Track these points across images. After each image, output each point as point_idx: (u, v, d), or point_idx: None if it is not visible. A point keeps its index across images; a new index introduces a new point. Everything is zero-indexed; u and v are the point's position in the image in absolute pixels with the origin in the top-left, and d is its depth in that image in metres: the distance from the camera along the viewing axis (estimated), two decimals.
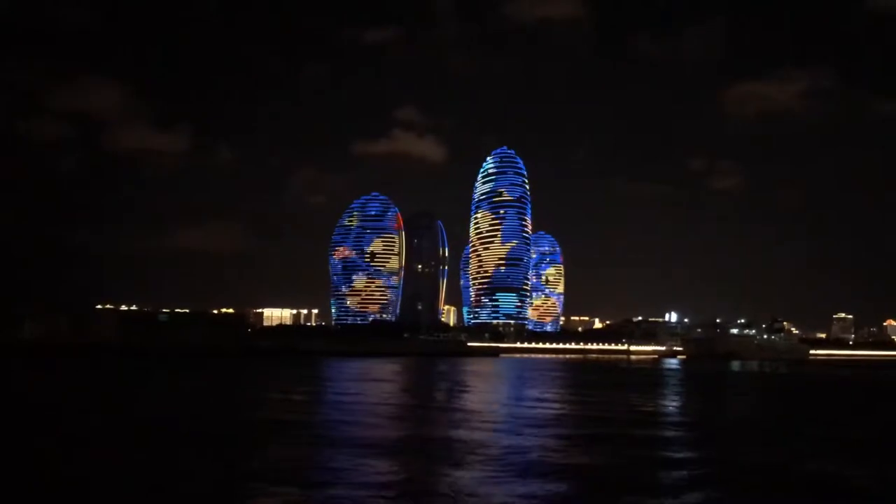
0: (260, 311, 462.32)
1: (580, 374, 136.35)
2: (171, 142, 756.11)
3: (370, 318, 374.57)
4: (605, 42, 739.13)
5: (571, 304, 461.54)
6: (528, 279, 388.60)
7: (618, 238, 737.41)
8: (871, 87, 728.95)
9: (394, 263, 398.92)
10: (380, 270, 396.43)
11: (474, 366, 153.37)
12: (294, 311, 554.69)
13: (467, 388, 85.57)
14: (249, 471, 28.92)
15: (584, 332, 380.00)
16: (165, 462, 30.91)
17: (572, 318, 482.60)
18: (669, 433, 44.67)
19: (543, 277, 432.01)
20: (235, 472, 28.74)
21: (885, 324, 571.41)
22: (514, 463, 31.06)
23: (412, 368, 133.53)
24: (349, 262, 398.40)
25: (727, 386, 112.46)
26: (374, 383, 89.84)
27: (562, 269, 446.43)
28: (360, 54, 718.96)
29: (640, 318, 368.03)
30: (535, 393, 77.81)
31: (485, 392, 79.43)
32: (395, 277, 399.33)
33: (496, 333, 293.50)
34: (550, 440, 38.77)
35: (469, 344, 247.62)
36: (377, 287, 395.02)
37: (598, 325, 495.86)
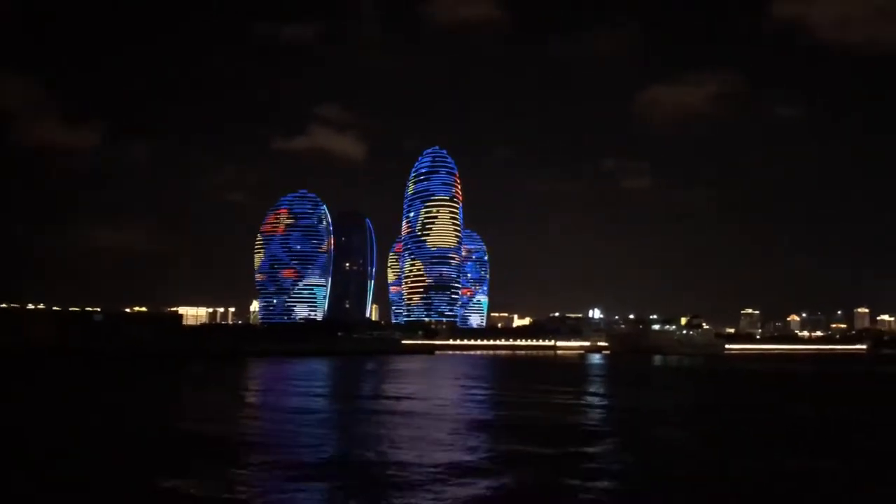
0: (175, 309, 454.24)
1: (516, 368, 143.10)
2: (82, 137, 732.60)
3: (297, 318, 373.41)
4: (522, 43, 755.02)
5: (492, 301, 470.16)
6: (459, 277, 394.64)
7: (534, 236, 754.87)
8: (777, 91, 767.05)
9: (321, 262, 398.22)
10: (308, 269, 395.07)
11: (416, 363, 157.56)
12: (210, 310, 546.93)
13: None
14: None
15: (514, 328, 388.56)
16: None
17: (492, 314, 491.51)
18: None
19: (470, 275, 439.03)
20: None
21: (788, 318, 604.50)
22: None
23: (365, 368, 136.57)
24: (276, 260, 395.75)
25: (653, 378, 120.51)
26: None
27: (488, 266, 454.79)
28: (280, 50, 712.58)
29: (556, 313, 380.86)
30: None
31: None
32: (323, 276, 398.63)
33: (429, 331, 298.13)
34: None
35: (403, 342, 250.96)
36: (305, 286, 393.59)
37: (517, 321, 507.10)
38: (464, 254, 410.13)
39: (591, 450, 36.48)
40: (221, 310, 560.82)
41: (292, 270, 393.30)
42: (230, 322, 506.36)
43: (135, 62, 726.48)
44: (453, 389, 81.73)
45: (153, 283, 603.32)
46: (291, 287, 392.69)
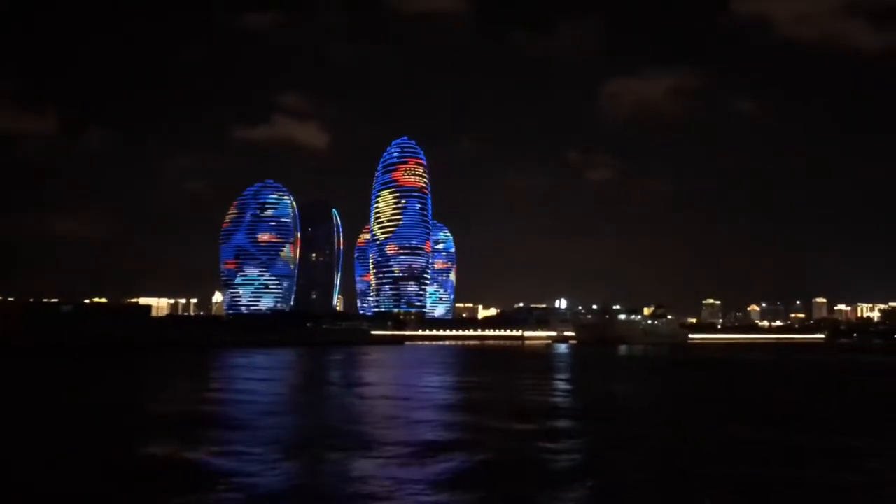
0: (136, 300, 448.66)
1: (487, 358, 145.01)
2: (38, 124, 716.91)
3: (264, 309, 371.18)
4: (485, 37, 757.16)
5: (456, 292, 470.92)
6: (428, 268, 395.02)
7: (498, 227, 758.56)
8: (735, 87, 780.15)
9: (287, 252, 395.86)
10: (274, 259, 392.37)
11: (387, 354, 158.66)
12: (172, 301, 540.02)
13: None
14: None
15: (482, 319, 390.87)
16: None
17: (457, 305, 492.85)
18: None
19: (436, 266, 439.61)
20: None
21: (748, 308, 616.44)
22: None
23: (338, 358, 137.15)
24: (241, 250, 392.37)
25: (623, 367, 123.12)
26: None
27: (454, 257, 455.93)
28: (240, 38, 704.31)
29: (521, 304, 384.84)
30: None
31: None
32: (289, 267, 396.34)
33: (398, 321, 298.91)
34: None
35: (373, 332, 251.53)
36: (271, 277, 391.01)
37: (482, 312, 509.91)
38: (431, 245, 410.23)
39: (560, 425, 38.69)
40: (183, 301, 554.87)
41: (258, 261, 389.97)
42: (192, 313, 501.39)
43: (94, 49, 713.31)
44: (427, 377, 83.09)
45: (112, 273, 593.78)
46: (257, 278, 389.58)
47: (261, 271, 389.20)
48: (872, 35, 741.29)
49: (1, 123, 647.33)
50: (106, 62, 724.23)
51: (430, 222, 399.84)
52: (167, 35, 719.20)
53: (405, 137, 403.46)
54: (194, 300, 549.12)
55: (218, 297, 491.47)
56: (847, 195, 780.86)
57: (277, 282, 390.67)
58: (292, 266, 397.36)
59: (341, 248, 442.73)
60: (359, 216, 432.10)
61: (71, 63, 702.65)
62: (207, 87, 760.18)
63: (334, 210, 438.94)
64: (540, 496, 24.64)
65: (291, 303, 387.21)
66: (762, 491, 25.26)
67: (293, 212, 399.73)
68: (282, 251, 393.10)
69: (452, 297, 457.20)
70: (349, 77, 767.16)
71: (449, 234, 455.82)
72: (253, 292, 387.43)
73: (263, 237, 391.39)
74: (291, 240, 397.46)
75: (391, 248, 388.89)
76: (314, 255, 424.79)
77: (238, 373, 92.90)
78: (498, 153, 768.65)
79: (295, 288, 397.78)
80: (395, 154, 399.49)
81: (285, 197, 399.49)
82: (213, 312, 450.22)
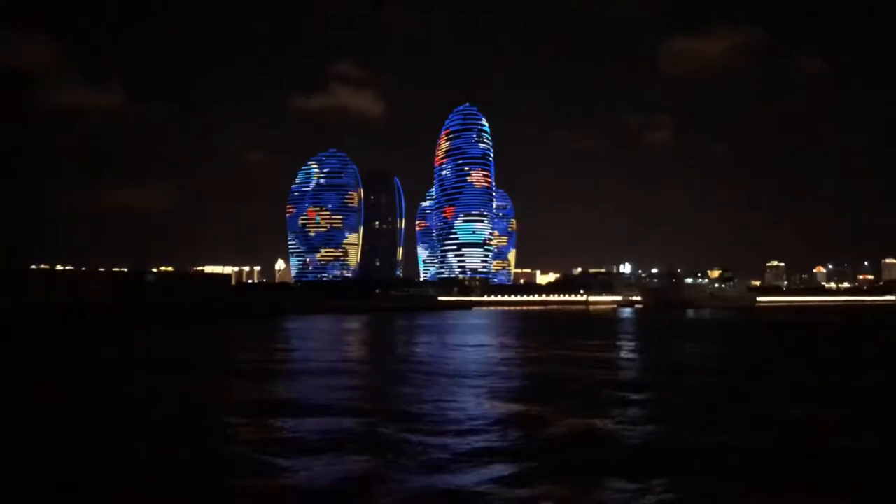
0: (200, 269, 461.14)
1: (560, 322, 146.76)
2: (103, 98, 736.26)
3: (330, 276, 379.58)
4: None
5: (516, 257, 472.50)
6: (492, 234, 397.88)
7: (556, 192, 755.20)
8: (800, 46, 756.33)
9: (353, 220, 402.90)
10: (340, 227, 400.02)
11: (466, 319, 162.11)
12: (236, 269, 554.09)
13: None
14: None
15: (546, 284, 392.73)
16: None
17: (515, 270, 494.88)
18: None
19: (497, 232, 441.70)
20: None
21: (814, 270, 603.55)
22: None
23: (427, 323, 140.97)
24: (308, 219, 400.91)
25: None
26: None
27: (514, 223, 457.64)
28: (297, 6, 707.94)
29: (579, 269, 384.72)
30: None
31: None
32: (354, 234, 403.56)
33: (463, 287, 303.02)
34: None
35: (439, 298, 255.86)
36: (337, 244, 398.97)
37: (540, 278, 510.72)
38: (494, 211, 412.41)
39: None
40: (247, 268, 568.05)
41: (324, 229, 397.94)
42: (255, 281, 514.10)
43: (153, 23, 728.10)
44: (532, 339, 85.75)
45: (176, 242, 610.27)
46: (323, 245, 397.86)
47: (327, 239, 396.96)
48: None
49: (67, 98, 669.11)
50: (166, 35, 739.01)
51: (493, 189, 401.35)
52: (225, 6, 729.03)
53: (467, 104, 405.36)
54: (258, 268, 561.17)
55: (280, 264, 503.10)
56: None
57: (343, 250, 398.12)
58: (357, 234, 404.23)
59: (403, 215, 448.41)
60: (418, 183, 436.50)
61: (133, 37, 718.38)
62: (264, 57, 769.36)
63: (396, 178, 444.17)
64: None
65: (356, 269, 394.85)
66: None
67: (357, 180, 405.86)
68: (347, 219, 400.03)
69: (514, 262, 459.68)
70: (405, 44, 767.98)
71: (509, 199, 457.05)
72: (320, 259, 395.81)
73: (329, 205, 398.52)
74: (356, 208, 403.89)
75: (456, 216, 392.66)
76: (377, 223, 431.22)
77: (334, 335, 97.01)
78: (557, 117, 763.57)
79: (360, 255, 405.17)
80: (458, 121, 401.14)
81: (350, 165, 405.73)
82: (277, 280, 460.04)
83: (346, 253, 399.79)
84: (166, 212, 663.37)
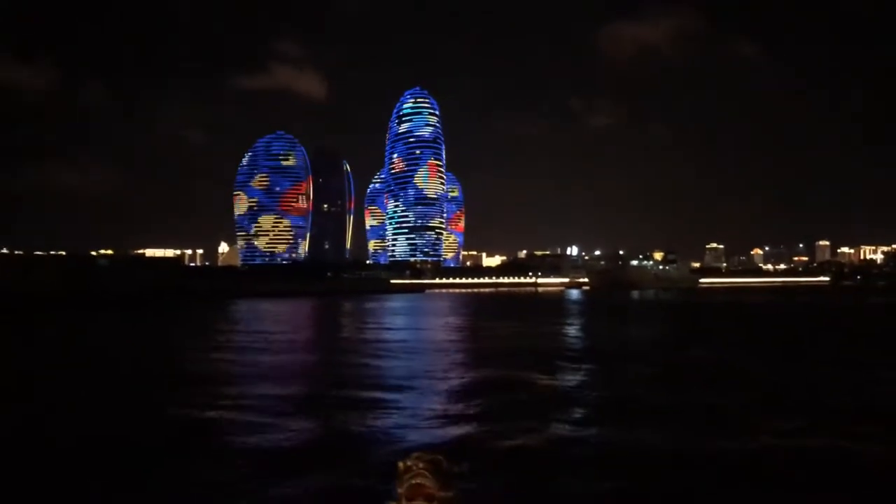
0: (142, 252, 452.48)
1: (509, 302, 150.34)
2: (36, 77, 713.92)
3: (278, 259, 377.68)
4: None
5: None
6: (443, 217, 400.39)
7: (498, 174, 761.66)
8: (737, 30, 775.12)
9: (301, 203, 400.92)
10: (287, 210, 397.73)
11: (418, 301, 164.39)
12: (178, 252, 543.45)
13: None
14: None
15: (495, 266, 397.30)
16: None
17: (462, 253, 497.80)
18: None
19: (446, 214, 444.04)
20: None
21: (752, 252, 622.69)
22: None
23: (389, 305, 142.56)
24: (255, 201, 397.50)
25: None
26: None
27: (463, 206, 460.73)
28: None
29: (524, 252, 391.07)
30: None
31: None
32: (302, 217, 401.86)
33: (415, 270, 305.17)
34: None
35: (391, 281, 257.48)
36: (285, 227, 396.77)
37: (486, 260, 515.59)
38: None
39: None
40: (189, 251, 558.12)
41: (272, 211, 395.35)
42: (198, 264, 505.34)
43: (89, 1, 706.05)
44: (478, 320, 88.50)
45: (113, 225, 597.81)
46: (272, 228, 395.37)
47: (275, 222, 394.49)
48: None
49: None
50: (102, 13, 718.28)
51: (444, 172, 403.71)
52: None
53: (418, 88, 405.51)
54: (200, 251, 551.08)
55: (224, 247, 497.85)
56: (848, 138, 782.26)
57: (292, 232, 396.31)
58: (306, 216, 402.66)
59: (353, 198, 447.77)
60: (363, 164, 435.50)
61: (67, 15, 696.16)
62: (204, 37, 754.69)
63: (345, 161, 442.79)
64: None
65: (306, 252, 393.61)
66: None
67: (306, 162, 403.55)
68: (295, 202, 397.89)
69: (462, 245, 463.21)
70: (346, 24, 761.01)
71: (458, 182, 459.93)
72: (268, 243, 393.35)
73: (277, 188, 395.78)
74: (304, 190, 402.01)
75: (406, 199, 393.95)
76: (326, 205, 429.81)
77: (284, 318, 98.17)
78: (497, 100, 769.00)
79: (308, 238, 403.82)
80: (409, 105, 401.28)
81: (298, 147, 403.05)
82: (220, 263, 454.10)
83: (294, 236, 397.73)
84: (105, 194, 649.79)
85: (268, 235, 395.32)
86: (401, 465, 3.75)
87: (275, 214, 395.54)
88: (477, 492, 16.07)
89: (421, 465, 3.69)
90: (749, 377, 35.92)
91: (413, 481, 3.69)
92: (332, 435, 23.14)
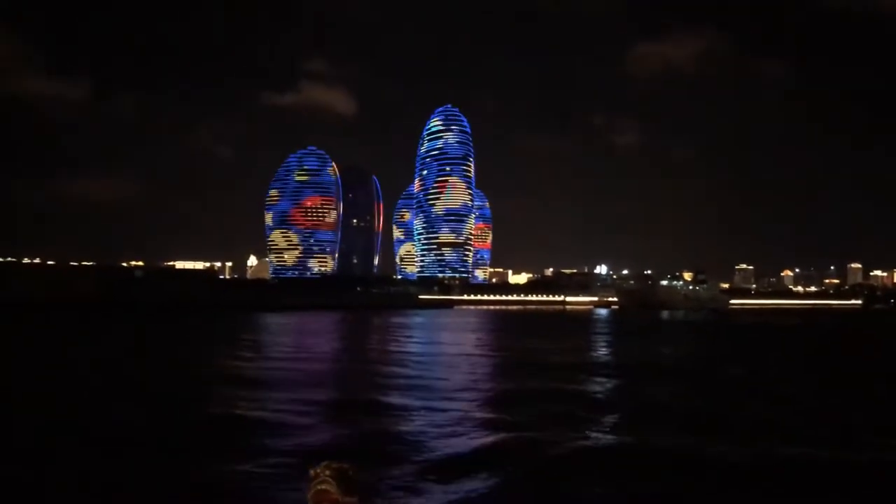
0: (172, 263, 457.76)
1: (540, 321, 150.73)
2: (70, 89, 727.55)
3: (308, 273, 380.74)
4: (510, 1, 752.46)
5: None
6: (471, 234, 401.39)
7: (524, 192, 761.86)
8: (762, 51, 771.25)
9: (331, 218, 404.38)
10: (318, 225, 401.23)
11: (450, 318, 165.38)
12: (207, 265, 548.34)
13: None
14: None
15: (523, 283, 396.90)
16: None
17: (488, 270, 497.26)
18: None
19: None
20: None
21: (782, 274, 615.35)
22: None
23: (425, 322, 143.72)
24: (286, 215, 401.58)
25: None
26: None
27: (491, 223, 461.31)
28: (267, 3, 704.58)
29: (550, 270, 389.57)
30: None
31: None
32: (333, 232, 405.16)
33: (443, 286, 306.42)
34: None
35: (420, 297, 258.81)
36: (315, 242, 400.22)
37: (512, 278, 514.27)
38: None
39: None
40: (218, 264, 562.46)
41: (303, 226, 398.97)
42: (227, 276, 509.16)
43: (121, 16, 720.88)
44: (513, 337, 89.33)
45: (145, 237, 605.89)
46: (302, 242, 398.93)
47: (305, 236, 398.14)
48: None
49: (34, 89, 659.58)
50: (136, 28, 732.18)
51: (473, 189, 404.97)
52: (194, 2, 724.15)
53: (448, 105, 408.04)
54: (229, 264, 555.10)
55: (253, 260, 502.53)
56: (881, 160, 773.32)
57: (321, 247, 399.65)
58: (336, 231, 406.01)
59: (381, 213, 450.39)
60: (392, 180, 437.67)
61: (102, 29, 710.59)
62: (235, 54, 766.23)
63: (374, 176, 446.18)
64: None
65: (335, 267, 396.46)
66: None
67: (336, 178, 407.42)
68: (326, 216, 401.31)
69: (489, 262, 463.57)
70: (374, 41, 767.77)
71: (486, 199, 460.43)
72: (298, 257, 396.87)
73: (308, 202, 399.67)
74: (335, 205, 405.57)
75: (436, 216, 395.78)
76: (355, 220, 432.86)
77: (327, 331, 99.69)
78: (524, 117, 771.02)
79: (337, 253, 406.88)
80: (439, 122, 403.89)
81: (328, 163, 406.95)
82: (249, 276, 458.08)
83: (324, 250, 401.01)
84: (135, 207, 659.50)
85: (298, 249, 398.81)
86: (311, 472, 3.97)
87: (305, 229, 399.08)
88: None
89: (327, 472, 3.91)
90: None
91: (318, 487, 3.91)
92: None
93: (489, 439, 24.70)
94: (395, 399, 33.54)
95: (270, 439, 23.82)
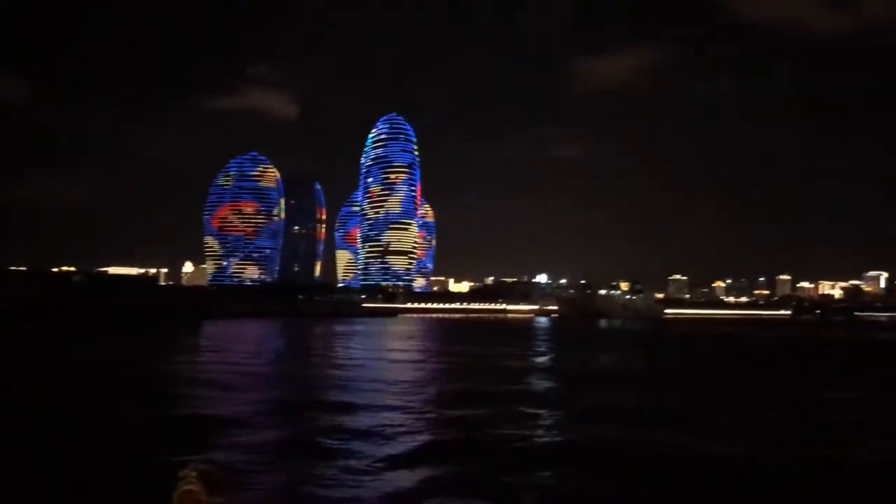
0: (105, 269, 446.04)
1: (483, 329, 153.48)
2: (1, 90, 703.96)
3: (247, 280, 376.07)
4: (452, 11, 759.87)
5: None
6: (416, 242, 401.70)
7: (465, 202, 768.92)
8: (699, 65, 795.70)
9: (272, 224, 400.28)
10: (259, 231, 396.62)
11: (394, 325, 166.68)
12: (142, 271, 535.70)
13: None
14: None
15: (466, 292, 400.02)
16: None
17: (430, 278, 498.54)
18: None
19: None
20: None
21: (713, 285, 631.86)
22: None
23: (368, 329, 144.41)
24: (226, 222, 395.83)
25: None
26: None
27: (434, 232, 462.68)
28: (209, 6, 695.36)
29: (491, 279, 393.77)
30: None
31: None
32: (273, 239, 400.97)
33: (387, 294, 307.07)
34: None
35: (363, 304, 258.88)
36: (255, 248, 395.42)
37: (452, 286, 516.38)
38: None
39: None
40: (153, 270, 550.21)
41: (243, 232, 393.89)
42: (162, 283, 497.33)
43: (58, 17, 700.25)
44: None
45: (77, 242, 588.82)
46: (242, 249, 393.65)
47: (245, 243, 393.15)
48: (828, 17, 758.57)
49: None
50: (70, 29, 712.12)
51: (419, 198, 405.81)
52: (133, 3, 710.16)
53: (394, 114, 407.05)
54: (165, 270, 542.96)
55: (189, 267, 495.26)
56: (810, 175, 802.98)
57: (261, 253, 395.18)
58: (277, 238, 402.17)
59: (324, 220, 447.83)
60: (333, 187, 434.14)
61: (34, 30, 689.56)
62: (178, 56, 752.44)
63: (317, 183, 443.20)
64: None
65: (276, 274, 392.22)
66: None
67: (278, 184, 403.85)
68: (267, 223, 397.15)
69: (431, 270, 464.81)
70: (318, 47, 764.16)
71: (430, 208, 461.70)
72: (237, 264, 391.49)
73: (248, 208, 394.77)
74: (276, 212, 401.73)
75: (380, 223, 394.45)
76: (297, 227, 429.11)
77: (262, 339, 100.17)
78: (465, 128, 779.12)
79: (278, 260, 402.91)
80: (385, 130, 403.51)
81: (270, 169, 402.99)
82: (184, 283, 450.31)
83: (265, 257, 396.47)
84: (67, 210, 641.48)
85: (237, 256, 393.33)
86: (180, 473, 4.24)
87: (245, 235, 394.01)
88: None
89: (193, 473, 4.19)
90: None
91: (184, 488, 4.17)
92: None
93: (441, 436, 26.59)
94: (348, 398, 35.32)
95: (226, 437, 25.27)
